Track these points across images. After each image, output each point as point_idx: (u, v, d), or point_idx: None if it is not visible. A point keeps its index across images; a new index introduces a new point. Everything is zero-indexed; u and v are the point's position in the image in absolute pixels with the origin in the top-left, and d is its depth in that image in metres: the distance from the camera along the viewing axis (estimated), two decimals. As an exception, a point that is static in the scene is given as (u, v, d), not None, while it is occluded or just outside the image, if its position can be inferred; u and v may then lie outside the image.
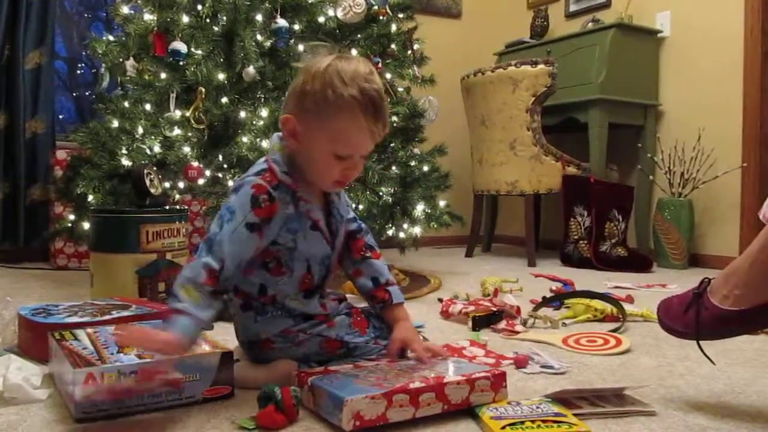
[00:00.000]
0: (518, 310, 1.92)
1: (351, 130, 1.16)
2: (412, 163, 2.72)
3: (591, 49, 3.48)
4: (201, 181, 2.32)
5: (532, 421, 1.02)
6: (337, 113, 1.15)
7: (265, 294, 1.24)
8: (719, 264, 3.04)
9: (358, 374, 1.13)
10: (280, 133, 1.24)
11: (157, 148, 2.31)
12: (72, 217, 2.60)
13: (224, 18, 2.42)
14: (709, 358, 1.21)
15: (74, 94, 4.24)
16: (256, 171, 1.21)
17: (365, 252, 1.37)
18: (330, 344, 1.26)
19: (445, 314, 1.97)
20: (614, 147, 3.52)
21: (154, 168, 2.22)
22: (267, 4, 2.45)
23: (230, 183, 2.24)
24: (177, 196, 2.52)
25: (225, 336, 1.54)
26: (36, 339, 1.41)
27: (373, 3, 2.60)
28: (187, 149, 2.29)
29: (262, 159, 1.26)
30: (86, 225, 2.43)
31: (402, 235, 2.70)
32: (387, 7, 2.69)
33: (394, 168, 2.61)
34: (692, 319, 1.16)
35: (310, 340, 1.25)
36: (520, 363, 1.41)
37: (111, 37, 2.62)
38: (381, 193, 2.49)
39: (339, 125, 1.16)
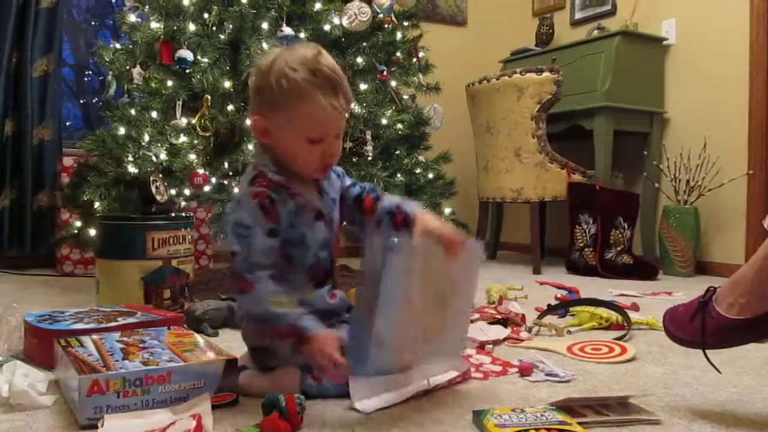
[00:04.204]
0: (523, 317, 1.92)
1: (313, 111, 1.19)
2: (417, 171, 2.72)
3: (596, 57, 3.48)
4: (207, 189, 2.32)
5: (537, 429, 1.02)
6: (297, 99, 1.18)
7: None
8: (725, 271, 3.03)
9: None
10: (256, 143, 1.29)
11: (163, 156, 2.32)
12: (78, 223, 2.61)
13: (230, 26, 2.43)
14: (715, 367, 1.21)
15: (81, 101, 4.27)
16: (249, 180, 1.24)
17: (375, 204, 1.35)
18: None
19: (450, 322, 1.97)
20: (620, 154, 3.52)
21: (160, 175, 2.23)
22: (273, 13, 2.46)
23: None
24: (183, 203, 2.53)
25: (230, 343, 1.54)
26: (42, 345, 1.41)
27: (379, 11, 2.60)
28: (192, 156, 2.30)
29: (250, 167, 1.29)
30: (92, 232, 2.43)
31: (407, 242, 2.70)
32: (392, 15, 2.69)
33: (399, 175, 2.61)
34: (698, 328, 1.16)
35: None
36: (525, 371, 1.41)
37: (118, 45, 2.64)
38: (386, 201, 2.49)
39: (301, 110, 1.19)
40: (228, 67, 2.35)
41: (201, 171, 2.28)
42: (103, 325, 1.47)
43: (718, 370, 1.23)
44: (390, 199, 1.35)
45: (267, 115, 1.23)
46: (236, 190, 1.31)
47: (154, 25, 2.47)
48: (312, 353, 1.12)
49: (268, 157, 1.27)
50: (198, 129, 2.32)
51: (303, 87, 1.18)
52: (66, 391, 1.19)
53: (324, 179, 1.33)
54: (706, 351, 1.17)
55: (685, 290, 2.67)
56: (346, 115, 1.26)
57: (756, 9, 3.16)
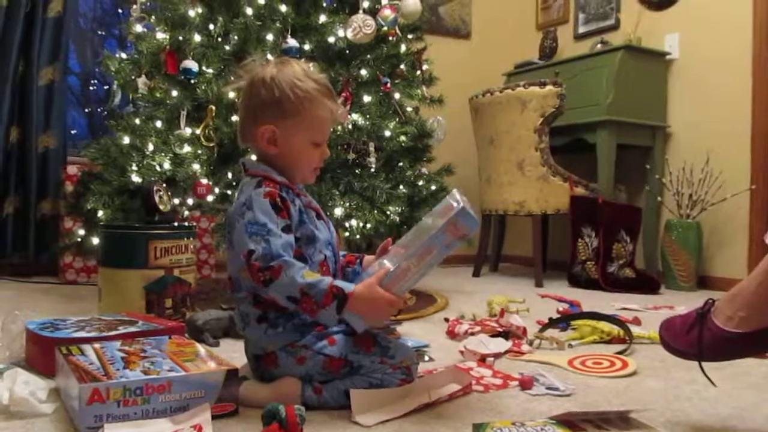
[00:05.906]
0: (524, 330, 1.92)
1: (324, 114, 1.32)
2: (420, 183, 2.73)
3: (599, 71, 3.49)
4: (210, 198, 2.33)
5: (536, 443, 1.02)
6: (311, 105, 1.29)
7: None
8: (727, 286, 2.99)
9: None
10: (245, 159, 1.37)
11: (166, 165, 2.33)
12: (81, 232, 2.62)
13: (235, 37, 2.45)
14: (710, 380, 1.20)
15: (86, 110, 4.30)
16: (255, 184, 1.28)
17: None
18: (333, 363, 1.24)
19: (452, 334, 1.97)
20: (622, 168, 3.52)
21: (164, 184, 2.23)
22: (278, 25, 2.48)
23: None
24: (186, 213, 2.54)
25: (231, 353, 1.54)
26: (43, 353, 1.42)
27: (383, 24, 2.62)
28: (196, 166, 2.31)
29: (247, 177, 1.33)
30: (95, 240, 2.45)
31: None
32: (396, 27, 2.71)
33: (401, 187, 2.62)
34: (695, 340, 1.15)
35: (312, 359, 1.24)
36: (526, 384, 1.41)
37: (124, 55, 2.66)
38: (388, 213, 2.49)
39: (315, 114, 1.30)
40: (232, 78, 2.37)
41: (204, 181, 2.29)
42: (104, 334, 1.47)
43: (713, 383, 1.22)
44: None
45: (279, 123, 1.29)
46: (239, 197, 1.31)
47: (159, 35, 2.49)
48: (363, 305, 1.18)
49: (263, 166, 1.32)
50: (202, 139, 2.33)
51: (314, 94, 1.29)
52: (66, 399, 1.20)
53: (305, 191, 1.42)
54: (703, 364, 1.16)
55: (687, 304, 2.66)
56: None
57: (759, 24, 3.17)
